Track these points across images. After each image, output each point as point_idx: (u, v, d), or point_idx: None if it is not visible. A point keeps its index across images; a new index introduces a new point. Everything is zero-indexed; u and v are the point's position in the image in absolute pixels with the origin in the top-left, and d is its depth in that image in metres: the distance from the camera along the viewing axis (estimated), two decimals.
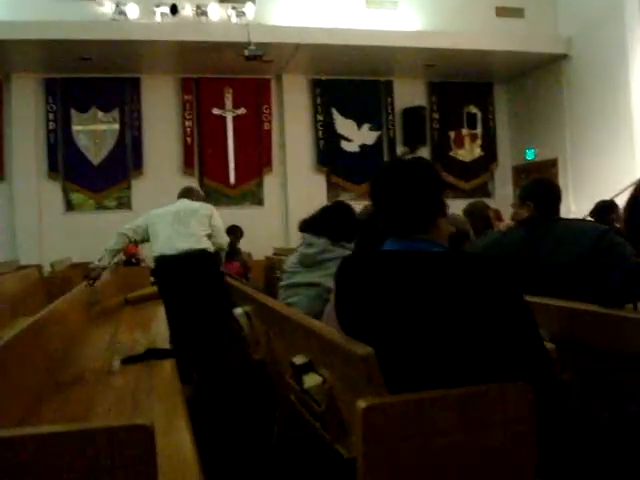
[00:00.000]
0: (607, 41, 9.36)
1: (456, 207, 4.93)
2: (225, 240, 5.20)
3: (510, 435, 1.64)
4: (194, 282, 4.93)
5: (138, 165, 10.19)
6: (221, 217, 5.47)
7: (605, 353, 2.09)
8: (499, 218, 6.38)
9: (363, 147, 10.97)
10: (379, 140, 11.09)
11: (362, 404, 1.53)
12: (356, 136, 10.97)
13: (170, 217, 5.14)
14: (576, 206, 9.54)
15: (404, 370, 1.67)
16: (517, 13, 10.42)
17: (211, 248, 5.04)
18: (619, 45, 9.18)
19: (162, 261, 5.06)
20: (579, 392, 2.06)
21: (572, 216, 8.38)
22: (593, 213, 5.54)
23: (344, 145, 10.92)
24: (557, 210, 3.22)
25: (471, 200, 5.32)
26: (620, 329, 2.04)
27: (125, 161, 10.14)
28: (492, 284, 1.68)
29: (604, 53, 9.44)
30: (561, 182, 10.25)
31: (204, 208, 5.24)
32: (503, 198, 10.34)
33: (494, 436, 1.64)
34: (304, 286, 3.35)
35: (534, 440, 1.66)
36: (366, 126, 11.02)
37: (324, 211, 3.61)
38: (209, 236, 5.09)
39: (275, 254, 8.41)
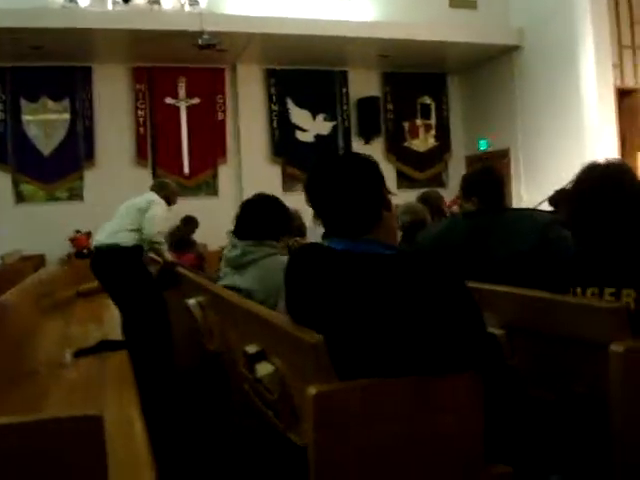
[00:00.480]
0: (557, 33, 9.52)
1: (411, 197, 4.98)
2: (150, 231, 5.02)
3: (459, 422, 1.68)
4: (105, 276, 5.11)
5: (90, 156, 10.02)
6: (176, 208, 5.46)
7: (552, 338, 2.14)
8: (456, 203, 6.39)
9: (318, 137, 10.98)
10: (334, 130, 11.12)
11: (312, 391, 1.55)
12: (311, 126, 10.98)
13: (116, 212, 5.25)
14: (528, 195, 9.72)
15: (354, 361, 1.69)
16: (470, 4, 10.52)
17: (126, 242, 5.00)
18: (569, 37, 9.35)
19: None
20: (528, 376, 2.11)
21: (524, 204, 8.56)
22: (552, 201, 5.59)
23: (299, 135, 10.92)
24: (502, 200, 3.23)
25: (426, 188, 5.36)
26: (565, 314, 2.09)
27: (77, 151, 9.97)
28: (435, 281, 1.69)
29: (555, 44, 9.60)
30: (513, 171, 10.45)
31: (144, 201, 5.21)
32: (456, 188, 10.42)
33: (443, 423, 1.68)
34: (231, 289, 3.19)
35: (482, 427, 1.70)
36: (321, 116, 11.03)
37: (244, 209, 3.32)
38: (138, 230, 5.07)
39: None
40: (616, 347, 1.81)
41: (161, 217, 5.20)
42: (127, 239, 5.01)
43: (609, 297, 2.05)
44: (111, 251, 4.99)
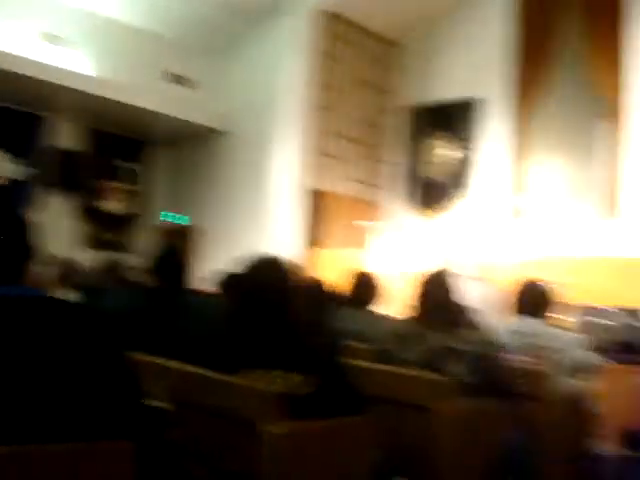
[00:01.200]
0: (261, 128, 10.29)
1: (99, 258, 4.90)
2: None
3: None
4: None
5: None
6: None
7: (215, 414, 2.23)
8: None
9: (9, 181, 10.22)
10: (27, 177, 10.42)
11: None
12: (2, 169, 10.22)
13: None
14: (208, 270, 10.01)
15: (6, 422, 1.58)
16: (187, 83, 10.83)
17: None
18: (271, 133, 10.17)
19: None
20: (189, 450, 2.16)
21: (206, 277, 8.82)
22: (221, 286, 5.72)
23: None
24: (184, 280, 3.40)
25: (114, 252, 5.32)
26: (225, 394, 2.20)
27: None
28: (89, 337, 1.71)
29: (258, 138, 10.34)
30: (200, 248, 10.80)
31: None
32: (144, 255, 10.42)
33: None
34: None
35: None
36: (14, 160, 10.31)
37: None
38: None
39: None
40: (267, 428, 1.94)
41: None
42: None
43: (276, 379, 2.22)
44: None
